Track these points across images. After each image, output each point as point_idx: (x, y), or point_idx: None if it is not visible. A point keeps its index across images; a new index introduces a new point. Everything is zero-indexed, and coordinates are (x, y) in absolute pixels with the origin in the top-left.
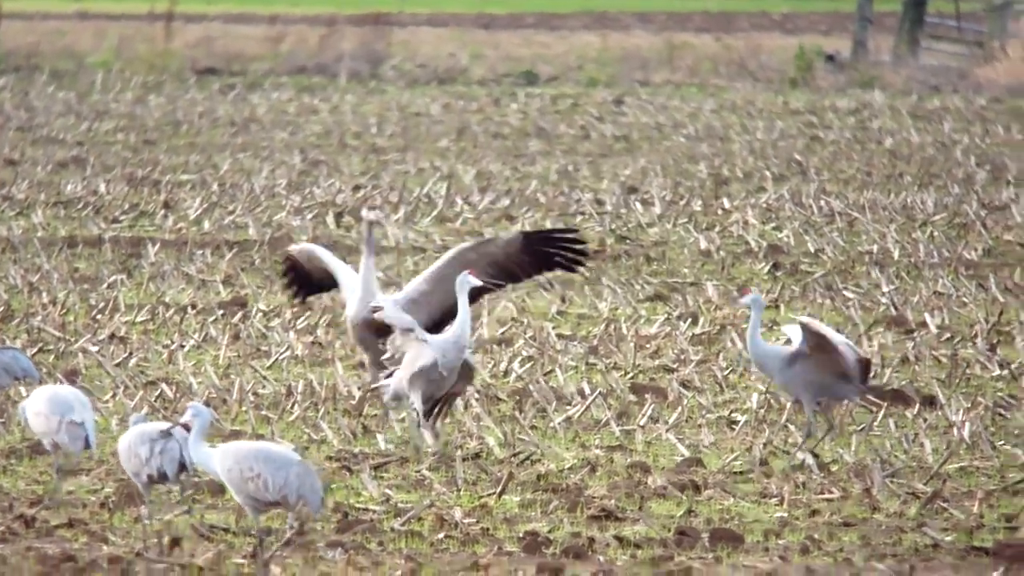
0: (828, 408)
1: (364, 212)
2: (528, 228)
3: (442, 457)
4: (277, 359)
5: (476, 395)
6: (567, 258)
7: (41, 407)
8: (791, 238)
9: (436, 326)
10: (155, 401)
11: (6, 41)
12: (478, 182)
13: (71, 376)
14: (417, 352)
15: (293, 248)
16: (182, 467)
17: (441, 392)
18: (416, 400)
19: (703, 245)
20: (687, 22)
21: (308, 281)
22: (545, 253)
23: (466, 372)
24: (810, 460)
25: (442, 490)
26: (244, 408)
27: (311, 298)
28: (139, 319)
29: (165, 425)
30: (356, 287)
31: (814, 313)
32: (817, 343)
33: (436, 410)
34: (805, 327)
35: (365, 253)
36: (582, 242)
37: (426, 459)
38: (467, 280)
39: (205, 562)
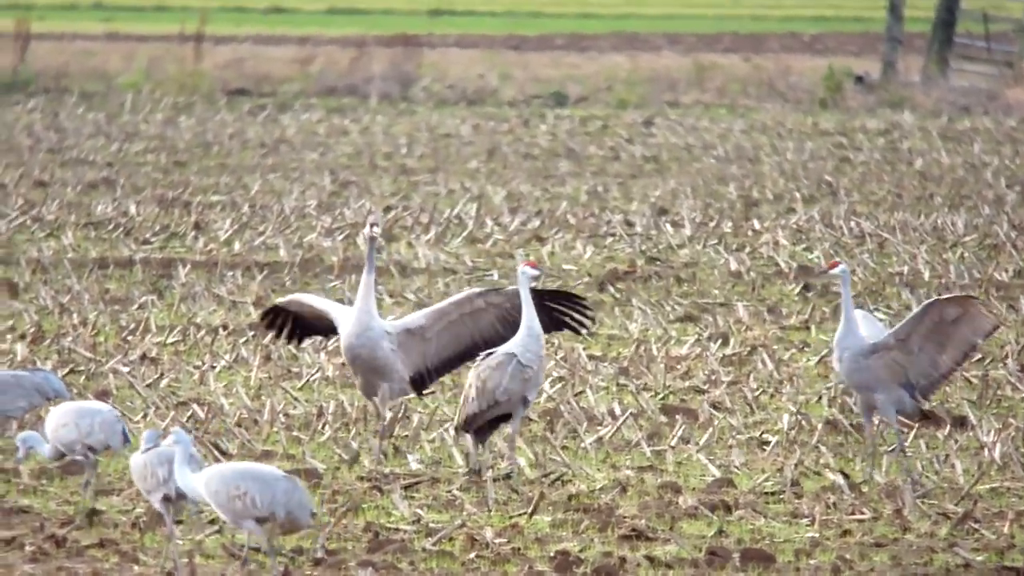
0: (872, 428)
1: (365, 229)
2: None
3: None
4: (308, 380)
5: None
6: (575, 319)
7: (67, 419)
8: (821, 259)
9: (427, 374)
10: (187, 421)
11: (36, 62)
12: (508, 203)
13: (102, 397)
14: (495, 359)
15: (282, 301)
16: None
17: (534, 391)
18: (496, 411)
19: (733, 266)
20: (716, 43)
21: (303, 326)
22: (553, 312)
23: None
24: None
25: (473, 510)
26: (275, 429)
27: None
28: (170, 340)
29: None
30: (351, 311)
31: None
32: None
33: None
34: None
35: (365, 270)
36: (589, 308)
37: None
38: (527, 272)
39: None
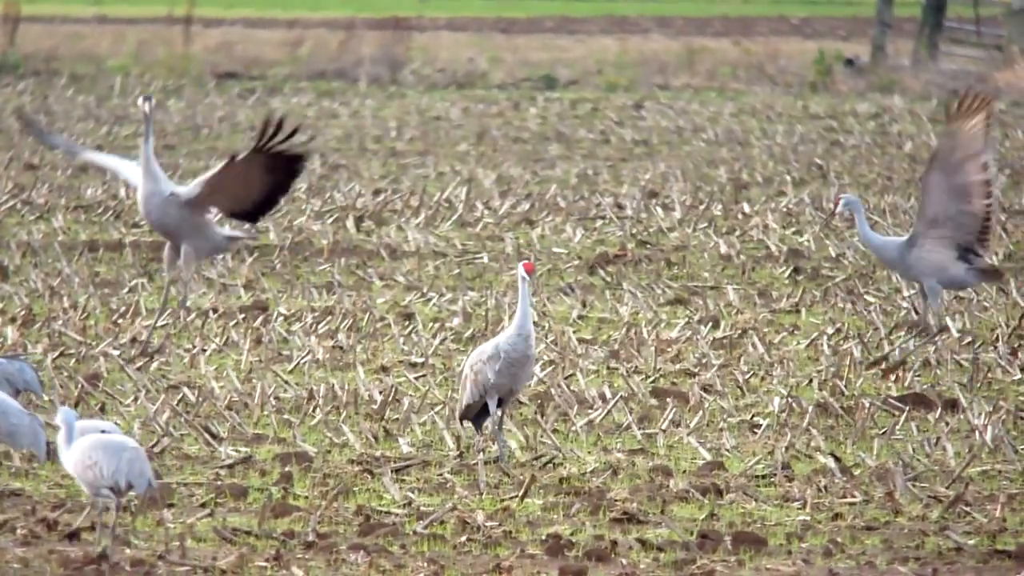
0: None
1: (140, 102)
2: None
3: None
4: (299, 363)
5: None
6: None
7: None
8: (811, 242)
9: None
10: (177, 405)
11: (25, 45)
12: (498, 186)
13: (92, 380)
14: (487, 353)
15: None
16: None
17: (522, 384)
18: (493, 402)
19: (723, 249)
20: (706, 26)
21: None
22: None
23: None
24: (911, 346)
25: (464, 493)
26: (266, 412)
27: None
28: (160, 323)
29: (104, 425)
30: (139, 173)
31: (835, 318)
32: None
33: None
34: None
35: (144, 140)
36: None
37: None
38: (524, 273)
39: (227, 565)
